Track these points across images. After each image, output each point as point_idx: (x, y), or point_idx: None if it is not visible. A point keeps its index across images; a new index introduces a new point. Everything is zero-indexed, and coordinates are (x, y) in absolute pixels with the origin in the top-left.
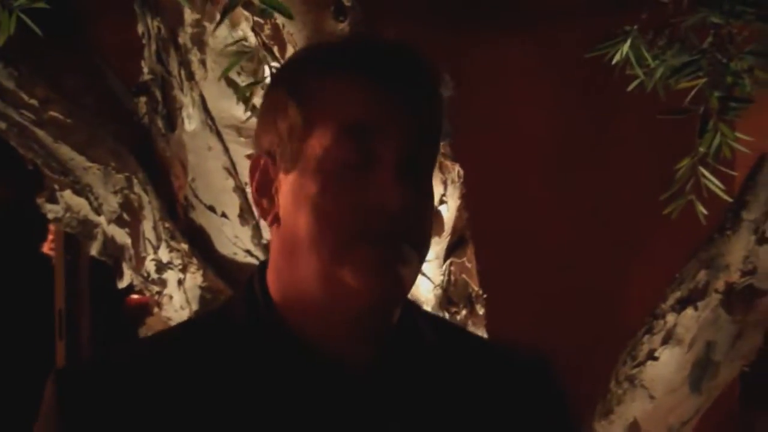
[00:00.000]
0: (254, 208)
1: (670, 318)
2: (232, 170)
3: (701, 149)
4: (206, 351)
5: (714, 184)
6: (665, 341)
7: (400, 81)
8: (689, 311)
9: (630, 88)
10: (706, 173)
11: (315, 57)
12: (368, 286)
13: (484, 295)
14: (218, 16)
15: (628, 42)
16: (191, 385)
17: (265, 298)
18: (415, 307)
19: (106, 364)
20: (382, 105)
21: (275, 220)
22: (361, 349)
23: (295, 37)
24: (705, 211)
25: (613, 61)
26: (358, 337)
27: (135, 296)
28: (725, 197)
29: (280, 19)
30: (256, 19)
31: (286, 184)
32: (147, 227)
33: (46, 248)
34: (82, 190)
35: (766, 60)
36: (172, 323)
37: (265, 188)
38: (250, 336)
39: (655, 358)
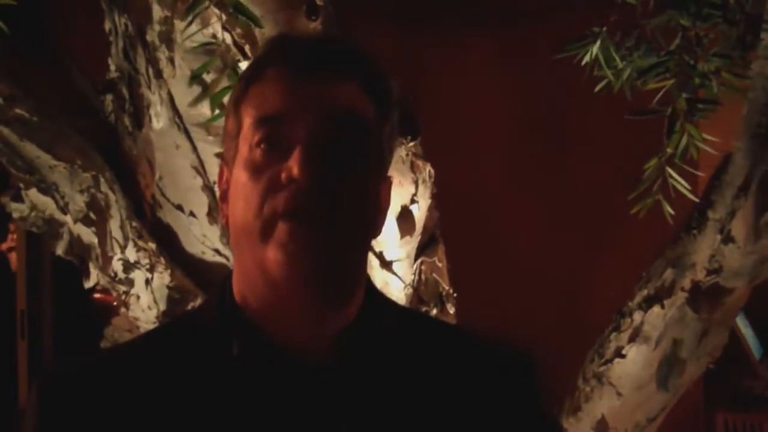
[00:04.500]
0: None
1: (638, 316)
2: (200, 169)
3: (669, 150)
4: (180, 354)
5: (681, 183)
6: (632, 339)
7: (314, 70)
8: (656, 309)
9: (598, 88)
10: (673, 173)
11: (256, 58)
12: (282, 259)
13: (455, 294)
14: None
15: (598, 43)
16: (163, 388)
17: (231, 298)
18: (383, 300)
19: (88, 368)
20: (294, 94)
21: (227, 222)
22: (317, 342)
23: (267, 35)
24: (672, 211)
25: (583, 62)
26: (309, 326)
27: (98, 295)
28: (691, 197)
29: None
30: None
31: (231, 184)
32: (114, 226)
33: (5, 248)
34: (47, 188)
35: (732, 62)
36: (140, 323)
37: (225, 193)
38: (218, 337)
39: (623, 356)
